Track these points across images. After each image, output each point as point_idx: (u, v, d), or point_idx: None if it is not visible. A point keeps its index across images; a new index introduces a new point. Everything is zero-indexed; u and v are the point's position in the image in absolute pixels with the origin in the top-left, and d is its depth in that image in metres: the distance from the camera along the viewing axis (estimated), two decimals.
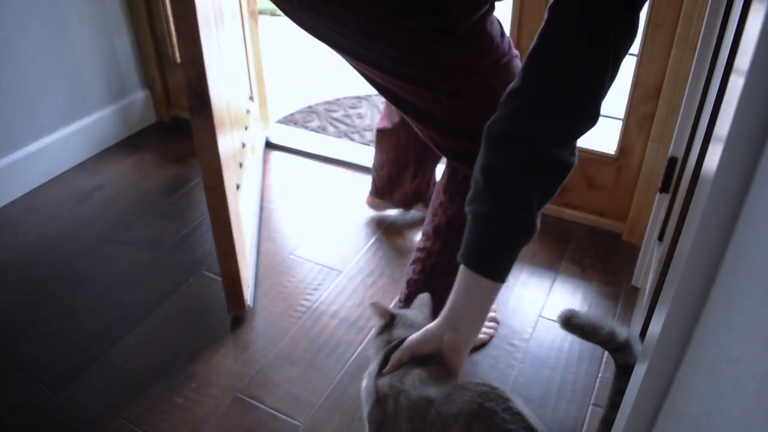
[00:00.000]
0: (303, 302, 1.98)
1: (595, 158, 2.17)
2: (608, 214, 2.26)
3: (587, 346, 1.83)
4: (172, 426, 1.63)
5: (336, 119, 3.07)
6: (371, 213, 2.35)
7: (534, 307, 1.97)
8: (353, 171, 2.63)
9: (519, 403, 1.16)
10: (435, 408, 1.13)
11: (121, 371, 1.78)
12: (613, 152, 2.14)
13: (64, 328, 1.91)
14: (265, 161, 2.71)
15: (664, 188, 1.81)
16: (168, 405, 1.68)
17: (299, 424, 1.62)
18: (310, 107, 3.21)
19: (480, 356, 1.80)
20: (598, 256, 2.17)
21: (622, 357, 1.06)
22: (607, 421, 1.09)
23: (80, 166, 2.69)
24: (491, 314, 1.90)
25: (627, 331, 1.06)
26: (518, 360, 1.80)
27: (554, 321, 1.91)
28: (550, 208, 2.32)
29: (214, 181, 1.69)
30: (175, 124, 3.00)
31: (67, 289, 2.05)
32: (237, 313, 1.92)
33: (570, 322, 1.07)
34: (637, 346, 1.05)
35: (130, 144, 2.85)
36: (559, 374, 1.75)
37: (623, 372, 1.07)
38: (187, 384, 1.73)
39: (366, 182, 2.44)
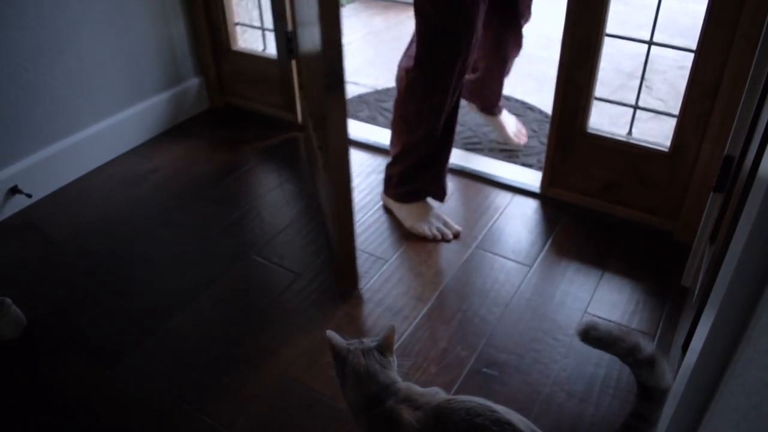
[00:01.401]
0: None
1: (648, 155, 2.15)
2: (659, 213, 2.23)
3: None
4: (221, 405, 1.68)
5: (386, 109, 3.09)
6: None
7: (580, 303, 1.97)
8: None
9: (505, 412, 1.18)
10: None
11: (172, 350, 1.85)
12: (666, 149, 2.12)
13: (117, 306, 1.99)
14: None
15: (718, 188, 1.78)
16: (216, 384, 1.74)
17: (342, 408, 1.66)
18: (360, 96, 3.25)
19: (523, 350, 1.81)
20: (647, 255, 2.15)
21: (642, 374, 1.02)
22: None
23: (135, 150, 2.78)
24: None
25: (652, 347, 1.02)
26: (562, 354, 1.80)
27: (600, 317, 1.91)
28: (599, 204, 2.31)
29: (342, 158, 1.77)
30: (228, 111, 3.07)
31: (121, 268, 2.13)
32: (350, 289, 2.01)
33: (588, 335, 1.04)
34: (663, 365, 1.01)
35: (183, 129, 2.93)
36: (603, 370, 1.75)
37: (643, 392, 1.03)
38: (235, 365, 1.79)
39: None
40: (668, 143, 2.12)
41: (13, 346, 1.85)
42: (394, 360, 1.31)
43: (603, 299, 1.98)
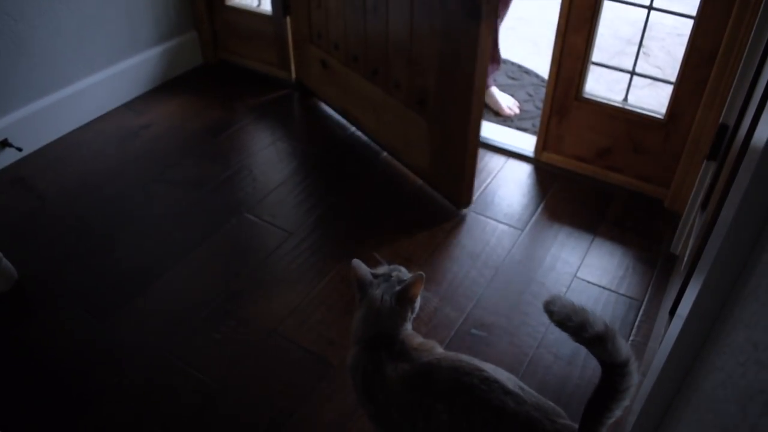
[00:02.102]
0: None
1: (643, 121, 2.15)
2: (652, 180, 2.24)
3: (618, 310, 1.84)
4: (210, 360, 1.70)
5: None
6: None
7: (570, 267, 1.98)
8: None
9: (492, 370, 1.20)
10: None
11: (163, 305, 1.86)
12: (662, 116, 2.12)
13: (108, 261, 1.99)
14: None
15: (711, 156, 1.79)
16: (207, 339, 1.75)
17: (333, 364, 1.68)
18: None
19: (512, 312, 1.83)
20: (638, 221, 2.16)
21: (595, 352, 1.01)
22: (594, 402, 1.06)
23: (128, 105, 2.74)
24: None
25: (602, 325, 0.99)
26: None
27: (589, 282, 1.92)
28: (592, 169, 2.31)
29: (482, 82, 1.91)
30: (222, 67, 3.03)
31: (113, 224, 2.13)
32: (466, 208, 2.17)
33: (548, 308, 1.03)
34: (613, 342, 0.99)
35: (176, 85, 2.89)
36: None
37: (603, 366, 1.02)
38: (226, 321, 1.80)
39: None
40: (664, 110, 2.11)
41: (4, 300, 1.86)
42: (414, 309, 1.30)
43: (593, 264, 1.99)
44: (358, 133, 2.58)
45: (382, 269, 1.33)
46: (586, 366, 1.69)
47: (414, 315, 1.30)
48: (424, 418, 1.22)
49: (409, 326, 1.30)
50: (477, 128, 2.02)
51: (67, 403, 1.60)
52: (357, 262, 1.29)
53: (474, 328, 1.79)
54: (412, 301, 1.28)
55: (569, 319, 1.00)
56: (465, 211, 2.19)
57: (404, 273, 1.33)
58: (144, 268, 1.97)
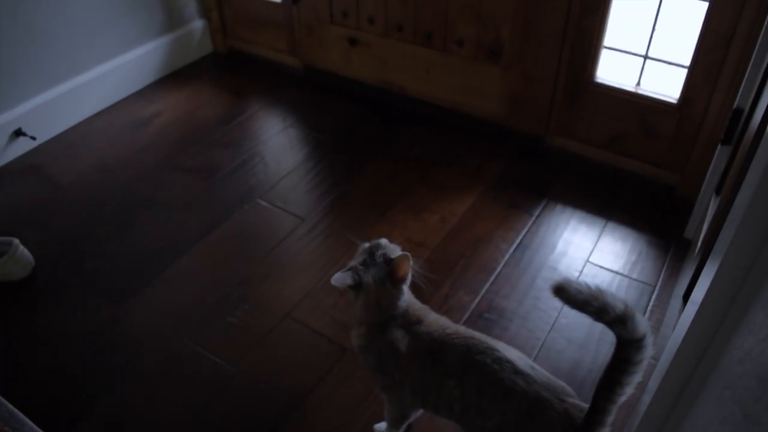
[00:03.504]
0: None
1: (656, 106, 2.13)
2: (664, 165, 2.22)
3: (631, 295, 1.84)
4: (226, 344, 1.71)
5: None
6: None
7: (582, 252, 1.98)
8: None
9: (504, 349, 1.20)
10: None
11: (177, 290, 1.87)
12: (675, 101, 2.10)
13: (123, 248, 2.00)
14: None
15: (726, 140, 1.78)
16: (221, 323, 1.77)
17: (346, 348, 1.69)
18: None
19: (525, 297, 1.83)
20: (650, 207, 2.15)
21: (615, 329, 1.02)
22: (607, 379, 1.06)
23: (138, 94, 2.75)
24: None
25: (622, 305, 1.00)
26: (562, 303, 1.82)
27: (601, 267, 1.92)
28: (604, 155, 2.30)
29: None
30: (231, 55, 3.03)
31: (126, 211, 2.14)
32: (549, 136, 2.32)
33: (560, 293, 1.03)
34: (634, 321, 1.00)
35: (186, 73, 2.90)
36: None
37: (620, 341, 1.03)
38: (240, 305, 1.81)
39: None
40: (677, 95, 2.10)
41: (23, 286, 1.88)
42: (405, 286, 1.28)
43: (605, 249, 1.99)
44: (369, 118, 2.58)
45: (361, 251, 1.29)
46: (599, 351, 1.70)
47: (406, 289, 1.29)
48: (436, 393, 1.23)
49: (407, 296, 1.29)
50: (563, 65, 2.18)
51: (84, 387, 1.62)
52: (335, 280, 1.23)
53: (486, 312, 1.79)
54: (404, 281, 1.27)
55: (589, 304, 1.00)
56: (548, 140, 2.29)
57: (388, 248, 1.28)
58: (158, 253, 1.98)
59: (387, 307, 1.26)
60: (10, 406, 1.55)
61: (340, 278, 1.24)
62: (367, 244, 1.30)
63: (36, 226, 2.08)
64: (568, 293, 1.01)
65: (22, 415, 1.54)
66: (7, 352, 1.70)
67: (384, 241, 1.30)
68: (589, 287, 1.01)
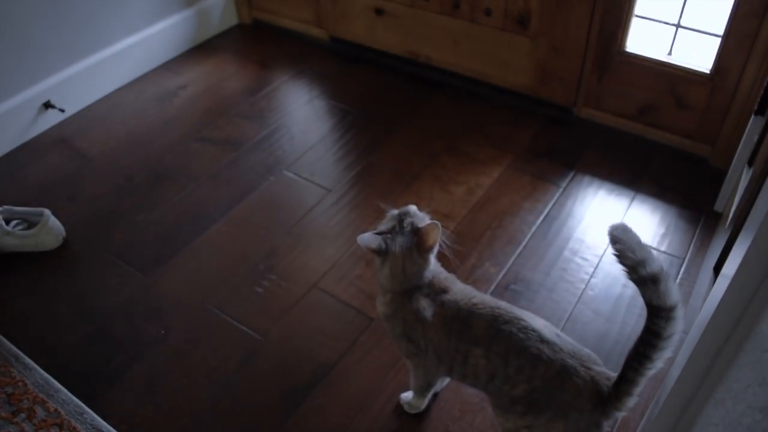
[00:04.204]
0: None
1: (687, 76, 2.10)
2: (695, 137, 2.19)
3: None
4: (254, 313, 1.74)
5: None
6: None
7: (610, 224, 1.96)
8: None
9: (531, 319, 1.20)
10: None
11: (205, 260, 1.90)
12: (707, 71, 2.06)
13: (152, 218, 2.04)
14: None
15: (760, 111, 1.75)
16: (250, 293, 1.79)
17: (373, 318, 1.71)
18: None
19: (552, 268, 1.83)
20: (680, 179, 2.13)
21: (646, 292, 1.01)
22: (637, 351, 1.07)
23: (165, 66, 2.77)
24: None
25: (659, 265, 0.99)
26: (589, 274, 1.82)
27: None
28: (633, 126, 2.28)
29: None
30: (256, 27, 3.03)
31: (154, 182, 2.17)
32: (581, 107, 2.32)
33: (614, 233, 1.01)
34: (667, 284, 1.00)
35: (212, 45, 2.91)
36: (630, 291, 1.77)
37: (651, 310, 1.03)
38: (267, 276, 1.84)
39: None
40: (710, 65, 2.06)
41: (55, 256, 1.92)
42: (432, 256, 1.28)
43: (634, 221, 1.98)
44: (395, 89, 2.57)
45: (389, 218, 1.28)
46: (626, 323, 1.70)
47: (434, 254, 1.29)
48: (462, 362, 1.25)
49: (433, 265, 1.29)
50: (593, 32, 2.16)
51: (115, 356, 1.66)
52: (361, 239, 1.23)
53: (513, 284, 1.80)
54: (432, 250, 1.26)
55: (632, 253, 1.00)
56: (577, 111, 2.28)
57: (417, 215, 1.28)
58: (186, 224, 2.01)
59: (413, 276, 1.27)
60: (45, 374, 1.60)
61: (367, 239, 1.24)
62: (396, 211, 1.29)
63: (66, 197, 2.12)
64: (621, 234, 1.01)
65: (56, 383, 1.59)
66: (41, 322, 1.75)
67: (413, 208, 1.30)
68: (639, 239, 1.01)
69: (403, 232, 1.25)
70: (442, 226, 1.25)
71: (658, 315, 1.02)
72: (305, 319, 1.73)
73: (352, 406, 1.54)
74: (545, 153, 2.25)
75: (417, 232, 1.24)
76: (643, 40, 2.18)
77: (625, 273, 1.02)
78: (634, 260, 1.00)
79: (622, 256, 1.01)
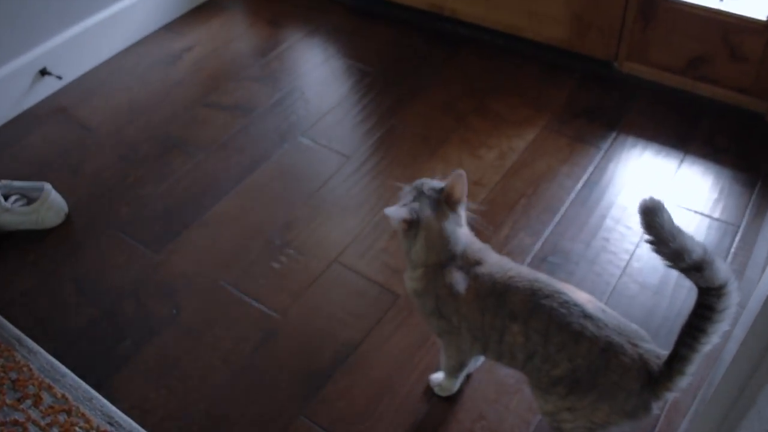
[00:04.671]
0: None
1: (741, 24, 2.05)
2: (750, 91, 2.15)
3: (711, 236, 1.80)
4: (271, 290, 1.75)
5: None
6: None
7: (656, 189, 1.94)
8: None
9: (572, 293, 1.19)
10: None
11: (217, 235, 1.90)
12: (764, 18, 2.01)
13: (160, 191, 2.04)
14: None
15: None
16: (265, 269, 1.80)
17: (399, 294, 1.70)
18: None
19: (592, 238, 1.81)
20: (734, 138, 2.09)
21: (692, 277, 1.01)
22: (690, 325, 1.06)
23: (167, 27, 2.76)
24: None
25: (701, 251, 0.98)
26: (634, 244, 1.80)
27: (678, 206, 1.88)
28: (681, 80, 2.23)
29: None
30: None
31: (161, 153, 2.17)
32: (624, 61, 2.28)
33: (646, 215, 1.00)
34: (713, 268, 0.98)
35: (218, 3, 2.89)
36: None
37: (700, 289, 1.02)
38: (284, 250, 1.84)
39: None
40: (767, 12, 2.01)
41: (57, 233, 1.93)
42: (463, 212, 1.30)
43: (682, 186, 1.94)
44: (418, 46, 2.54)
45: (407, 191, 1.30)
46: (675, 296, 1.67)
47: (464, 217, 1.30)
48: (498, 340, 1.24)
49: (466, 233, 1.30)
50: None
51: (124, 337, 1.68)
52: (390, 212, 1.24)
53: (550, 256, 1.78)
54: (461, 202, 1.28)
55: (666, 244, 0.99)
56: (619, 65, 2.25)
57: (434, 182, 1.30)
58: (196, 196, 2.01)
59: (451, 239, 1.26)
60: (50, 358, 1.63)
61: (396, 212, 1.24)
62: (409, 186, 1.31)
63: (67, 170, 2.13)
64: (654, 219, 0.99)
65: (63, 367, 1.61)
66: (44, 303, 1.77)
67: (425, 179, 1.31)
68: (674, 225, 0.99)
69: (426, 196, 1.26)
70: (472, 195, 1.25)
71: (708, 293, 1.01)
72: (326, 296, 1.73)
73: (378, 389, 1.54)
74: (584, 112, 2.22)
75: (442, 191, 1.26)
76: None
77: (667, 265, 1.01)
78: (672, 251, 0.99)
79: (657, 247, 1.00)
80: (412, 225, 1.26)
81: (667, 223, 0.99)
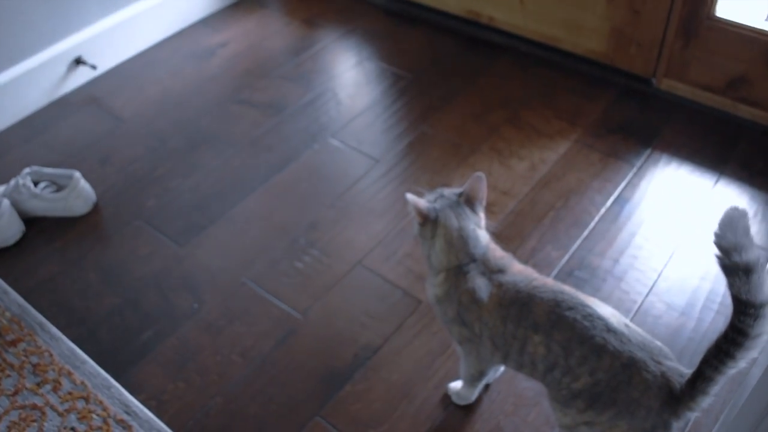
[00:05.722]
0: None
1: None
2: None
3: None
4: (293, 289, 1.78)
5: None
6: None
7: (689, 209, 1.94)
8: None
9: (597, 306, 1.20)
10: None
11: (243, 231, 1.94)
12: None
13: (187, 185, 2.09)
14: None
15: None
16: (289, 269, 1.83)
17: (421, 300, 1.73)
18: None
19: (621, 255, 1.82)
20: None
21: (735, 282, 1.00)
22: (719, 348, 1.06)
23: (204, 22, 2.81)
24: None
25: (756, 254, 0.97)
26: (663, 263, 1.80)
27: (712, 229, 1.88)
28: (720, 101, 2.23)
29: None
30: None
31: (190, 146, 2.22)
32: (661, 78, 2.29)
33: (728, 214, 1.01)
34: (760, 276, 0.98)
35: (255, 0, 2.94)
36: (708, 284, 1.75)
37: (738, 305, 1.01)
38: (308, 250, 1.88)
39: None
40: None
41: (85, 222, 1.99)
42: (483, 214, 1.34)
43: (716, 208, 1.95)
44: (453, 52, 2.57)
45: (428, 195, 1.36)
46: (702, 319, 1.68)
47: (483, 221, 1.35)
48: (519, 349, 1.26)
49: (487, 239, 1.33)
50: None
51: (144, 328, 1.72)
52: (412, 196, 1.30)
53: (577, 270, 1.79)
54: (482, 201, 1.33)
55: (732, 234, 0.99)
56: (657, 82, 2.29)
57: (452, 189, 1.36)
58: (223, 192, 2.06)
59: (468, 240, 1.29)
60: (71, 344, 1.67)
61: (417, 199, 1.30)
62: (430, 191, 1.37)
63: (97, 160, 2.19)
64: (738, 219, 1.00)
65: (83, 354, 1.65)
66: (68, 290, 1.82)
67: (446, 189, 1.37)
68: (745, 224, 1.00)
69: (447, 197, 1.32)
70: (501, 205, 1.29)
71: (745, 312, 1.01)
72: (348, 298, 1.76)
73: (396, 393, 1.57)
74: (618, 128, 2.22)
75: (461, 194, 1.32)
76: (735, 3, 2.13)
77: (717, 257, 1.01)
78: (732, 242, 0.98)
79: (720, 236, 1.00)
80: (428, 222, 1.31)
81: (743, 223, 1.00)
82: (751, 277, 0.98)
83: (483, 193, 1.32)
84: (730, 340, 1.04)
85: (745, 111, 2.21)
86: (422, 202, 1.31)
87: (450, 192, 1.34)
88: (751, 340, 1.03)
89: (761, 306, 0.99)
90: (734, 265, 0.99)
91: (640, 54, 2.32)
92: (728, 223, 1.00)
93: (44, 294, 1.80)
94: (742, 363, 1.06)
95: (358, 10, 2.83)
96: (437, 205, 1.31)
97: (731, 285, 1.01)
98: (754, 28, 2.08)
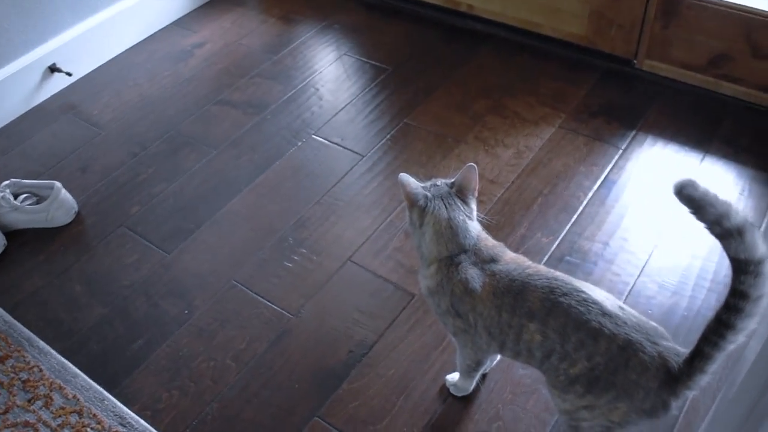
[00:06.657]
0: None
1: (765, 21, 2.06)
2: None
3: None
4: (283, 289, 1.78)
5: None
6: None
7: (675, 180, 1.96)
8: None
9: (590, 290, 1.21)
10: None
11: (229, 234, 1.94)
12: None
13: (171, 189, 2.08)
14: None
15: None
16: (278, 269, 1.83)
17: (414, 294, 1.73)
18: None
19: (609, 237, 1.83)
20: (756, 138, 2.10)
21: (731, 245, 1.01)
22: (719, 321, 1.07)
23: (178, 22, 2.80)
24: None
25: (743, 216, 0.99)
26: (653, 244, 1.82)
27: None
28: (702, 79, 2.25)
29: None
30: None
31: (172, 150, 2.21)
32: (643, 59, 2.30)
33: (683, 191, 1.02)
34: (753, 234, 1.00)
35: None
36: (699, 262, 1.77)
37: (737, 266, 1.03)
38: (298, 249, 1.87)
39: None
40: None
41: (67, 232, 1.98)
42: (474, 205, 1.35)
43: (703, 185, 1.95)
44: (433, 42, 2.57)
45: (423, 185, 1.37)
46: (695, 297, 1.69)
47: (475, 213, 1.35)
48: (515, 338, 1.27)
49: (478, 229, 1.33)
50: None
51: (135, 337, 1.71)
52: (405, 177, 1.32)
53: (568, 255, 1.80)
54: (473, 192, 1.34)
55: (707, 209, 1.00)
56: (639, 63, 2.31)
57: (445, 180, 1.36)
58: (208, 195, 2.05)
59: (458, 230, 1.30)
60: (61, 358, 1.66)
61: (408, 181, 1.31)
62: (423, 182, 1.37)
63: (76, 168, 2.17)
64: (692, 191, 1.01)
65: (73, 367, 1.64)
66: (54, 303, 1.81)
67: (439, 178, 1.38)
68: (715, 194, 1.01)
69: (440, 189, 1.33)
70: (489, 194, 1.29)
71: (745, 271, 1.01)
72: (339, 295, 1.77)
73: (393, 389, 1.57)
74: (602, 111, 2.24)
75: (453, 185, 1.33)
76: None
77: (707, 228, 1.02)
78: (716, 214, 1.00)
79: (701, 212, 1.01)
80: (416, 206, 1.32)
81: (705, 192, 1.01)
82: (745, 237, 0.99)
83: (475, 183, 1.33)
84: (732, 308, 1.05)
85: (727, 88, 2.23)
86: (413, 185, 1.31)
87: (443, 182, 1.34)
88: (752, 303, 1.03)
89: (760, 262, 1.01)
90: (726, 231, 1.00)
91: (620, 35, 2.33)
92: (695, 199, 1.01)
93: (30, 308, 1.79)
94: (741, 336, 1.07)
95: (334, 5, 2.83)
96: (429, 193, 1.32)
97: (728, 248, 1.02)
98: (733, 4, 2.09)
